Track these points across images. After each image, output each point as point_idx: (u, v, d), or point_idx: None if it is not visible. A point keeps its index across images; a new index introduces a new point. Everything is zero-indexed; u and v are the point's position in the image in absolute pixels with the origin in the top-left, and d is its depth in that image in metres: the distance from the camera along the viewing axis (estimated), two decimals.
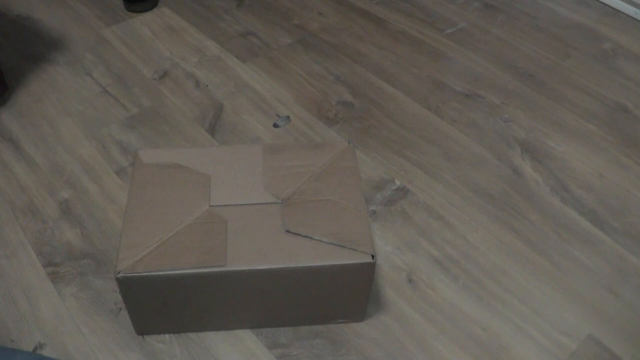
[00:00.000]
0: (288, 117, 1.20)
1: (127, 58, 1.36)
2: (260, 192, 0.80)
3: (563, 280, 0.91)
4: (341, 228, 0.75)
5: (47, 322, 0.85)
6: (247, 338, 0.83)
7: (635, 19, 1.51)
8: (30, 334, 0.83)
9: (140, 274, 0.71)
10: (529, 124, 1.19)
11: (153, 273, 0.71)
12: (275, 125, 1.18)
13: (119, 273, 0.71)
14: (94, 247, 0.95)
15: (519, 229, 0.99)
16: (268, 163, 0.84)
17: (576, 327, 0.85)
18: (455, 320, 0.86)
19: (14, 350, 0.62)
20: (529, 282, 0.91)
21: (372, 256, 0.73)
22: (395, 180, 1.07)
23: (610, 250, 0.96)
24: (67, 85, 1.28)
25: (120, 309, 0.86)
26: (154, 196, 0.79)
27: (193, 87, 1.28)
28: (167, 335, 0.83)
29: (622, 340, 0.84)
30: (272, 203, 0.78)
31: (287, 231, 0.75)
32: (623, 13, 1.53)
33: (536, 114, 1.22)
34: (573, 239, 0.97)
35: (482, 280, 0.91)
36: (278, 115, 1.20)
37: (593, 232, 0.99)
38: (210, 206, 0.78)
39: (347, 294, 0.80)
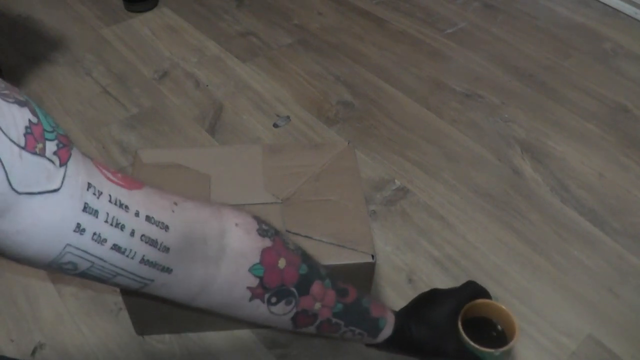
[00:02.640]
0: (288, 117, 1.20)
1: (127, 58, 1.36)
2: (260, 192, 0.80)
3: (563, 280, 0.91)
4: (341, 228, 0.75)
5: (47, 322, 0.85)
6: (247, 338, 0.83)
7: (635, 19, 1.51)
8: (30, 334, 0.83)
9: None
10: (529, 124, 1.19)
11: None
12: (275, 125, 1.18)
13: None
14: None
15: (519, 229, 0.99)
16: (268, 163, 0.84)
17: (576, 327, 0.85)
18: None
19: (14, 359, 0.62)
20: (529, 282, 0.91)
21: (372, 256, 0.73)
22: (395, 180, 1.07)
23: (610, 250, 0.96)
24: (67, 85, 1.28)
25: (120, 309, 0.86)
26: None
27: (193, 87, 1.28)
28: (167, 335, 0.83)
29: (622, 340, 0.84)
30: (272, 203, 0.78)
31: (287, 231, 0.75)
32: (623, 13, 1.53)
33: (536, 114, 1.22)
34: (573, 239, 0.97)
35: (482, 280, 0.91)
36: (278, 115, 1.20)
37: (593, 232, 0.99)
38: None
39: None
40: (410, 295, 0.89)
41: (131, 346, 0.82)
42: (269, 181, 0.81)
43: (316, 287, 0.54)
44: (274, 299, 0.51)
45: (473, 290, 0.72)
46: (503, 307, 0.75)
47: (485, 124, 1.19)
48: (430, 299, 0.70)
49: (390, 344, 0.65)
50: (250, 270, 0.49)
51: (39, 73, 1.31)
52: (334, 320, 0.57)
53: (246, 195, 0.79)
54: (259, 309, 0.51)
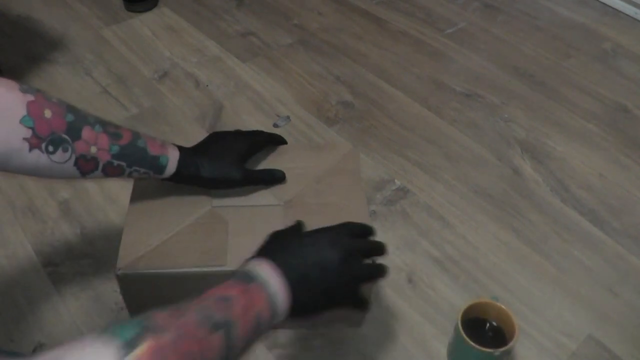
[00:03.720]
0: (288, 117, 1.20)
1: (127, 58, 1.36)
2: (263, 193, 0.80)
3: (563, 280, 0.91)
4: None
5: (47, 322, 0.85)
6: None
7: (635, 19, 1.51)
8: (30, 334, 0.83)
9: (140, 272, 0.71)
10: (529, 124, 1.19)
11: (153, 271, 0.71)
12: (275, 125, 1.18)
13: (119, 270, 0.71)
14: (94, 247, 0.95)
15: (519, 229, 0.99)
16: (271, 164, 0.84)
17: (576, 327, 0.85)
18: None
19: (16, 353, 0.62)
20: (529, 282, 0.91)
21: (372, 260, 0.73)
22: (395, 180, 1.07)
23: (610, 250, 0.96)
24: (67, 85, 1.28)
25: (122, 308, 0.86)
26: (157, 195, 0.79)
27: (193, 87, 1.28)
28: None
29: (622, 340, 0.84)
30: (274, 205, 0.78)
31: None
32: (623, 13, 1.53)
33: (536, 114, 1.22)
34: (573, 239, 0.97)
35: (482, 280, 0.91)
36: (278, 115, 1.20)
37: (593, 232, 0.99)
38: (212, 207, 0.78)
39: None
40: (411, 295, 0.89)
41: None
42: None
43: (87, 132, 0.61)
44: (50, 147, 0.58)
45: (255, 134, 0.81)
46: (503, 307, 0.75)
47: (485, 124, 1.19)
48: (216, 138, 0.77)
49: (177, 178, 0.71)
50: (21, 122, 0.56)
51: (39, 73, 1.31)
52: (116, 162, 0.65)
53: (249, 197, 0.79)
54: (41, 159, 0.58)
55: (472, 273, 0.92)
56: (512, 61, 1.37)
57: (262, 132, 0.83)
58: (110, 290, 0.88)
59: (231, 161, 0.74)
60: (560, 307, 0.88)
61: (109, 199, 1.02)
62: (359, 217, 0.76)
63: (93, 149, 0.62)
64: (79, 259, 0.93)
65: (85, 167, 0.62)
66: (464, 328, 0.72)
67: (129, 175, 0.67)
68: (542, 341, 0.84)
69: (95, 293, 0.88)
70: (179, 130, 1.17)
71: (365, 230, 0.65)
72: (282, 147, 0.87)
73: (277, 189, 0.80)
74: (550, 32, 1.47)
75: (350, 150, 0.86)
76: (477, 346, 0.70)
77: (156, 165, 0.68)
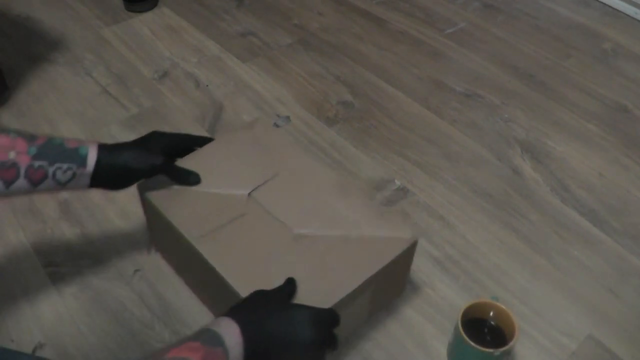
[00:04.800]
0: (288, 117, 1.20)
1: (127, 58, 1.36)
2: (293, 211, 0.78)
3: (563, 280, 0.91)
4: (319, 288, 0.69)
5: (47, 322, 0.85)
6: None
7: (635, 19, 1.51)
8: (30, 334, 0.83)
9: (150, 200, 0.79)
10: (529, 124, 1.19)
11: (156, 206, 0.78)
12: (276, 125, 1.18)
13: (145, 191, 0.79)
14: (94, 247, 0.95)
15: (519, 229, 0.99)
16: (325, 194, 0.80)
17: (576, 327, 0.85)
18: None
19: (17, 352, 0.62)
20: (529, 282, 0.91)
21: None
22: (395, 180, 1.07)
23: (610, 250, 0.96)
24: (67, 85, 1.28)
25: (123, 307, 0.86)
26: (227, 155, 0.84)
27: (193, 87, 1.28)
28: (167, 335, 0.83)
29: (622, 340, 0.84)
30: (287, 227, 0.76)
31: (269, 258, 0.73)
32: (623, 13, 1.53)
33: (536, 114, 1.22)
34: (573, 239, 0.97)
35: (482, 280, 0.91)
36: (278, 115, 1.20)
37: (593, 232, 0.99)
38: (248, 194, 0.79)
39: None
40: (410, 295, 0.89)
41: (131, 346, 0.82)
42: (310, 209, 0.78)
43: (2, 139, 0.62)
44: None
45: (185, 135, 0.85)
46: (503, 307, 0.75)
47: (485, 124, 1.19)
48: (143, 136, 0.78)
49: (101, 169, 0.70)
50: None
51: (39, 73, 1.31)
52: (36, 163, 0.64)
53: (279, 207, 0.78)
54: None
55: (472, 273, 0.92)
56: (512, 61, 1.37)
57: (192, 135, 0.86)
58: (110, 290, 0.88)
59: (151, 148, 0.75)
60: (560, 307, 0.88)
61: (109, 199, 1.02)
62: (330, 293, 0.69)
63: (12, 154, 0.62)
64: (79, 259, 0.93)
65: (7, 175, 0.62)
66: (464, 328, 0.72)
67: (54, 176, 0.66)
68: (542, 341, 0.84)
69: (95, 293, 0.88)
70: (179, 130, 1.16)
71: (338, 321, 0.66)
72: (352, 189, 0.82)
73: (310, 219, 0.77)
74: (550, 32, 1.47)
75: (408, 241, 0.76)
76: (477, 346, 0.70)
77: (77, 156, 0.68)
